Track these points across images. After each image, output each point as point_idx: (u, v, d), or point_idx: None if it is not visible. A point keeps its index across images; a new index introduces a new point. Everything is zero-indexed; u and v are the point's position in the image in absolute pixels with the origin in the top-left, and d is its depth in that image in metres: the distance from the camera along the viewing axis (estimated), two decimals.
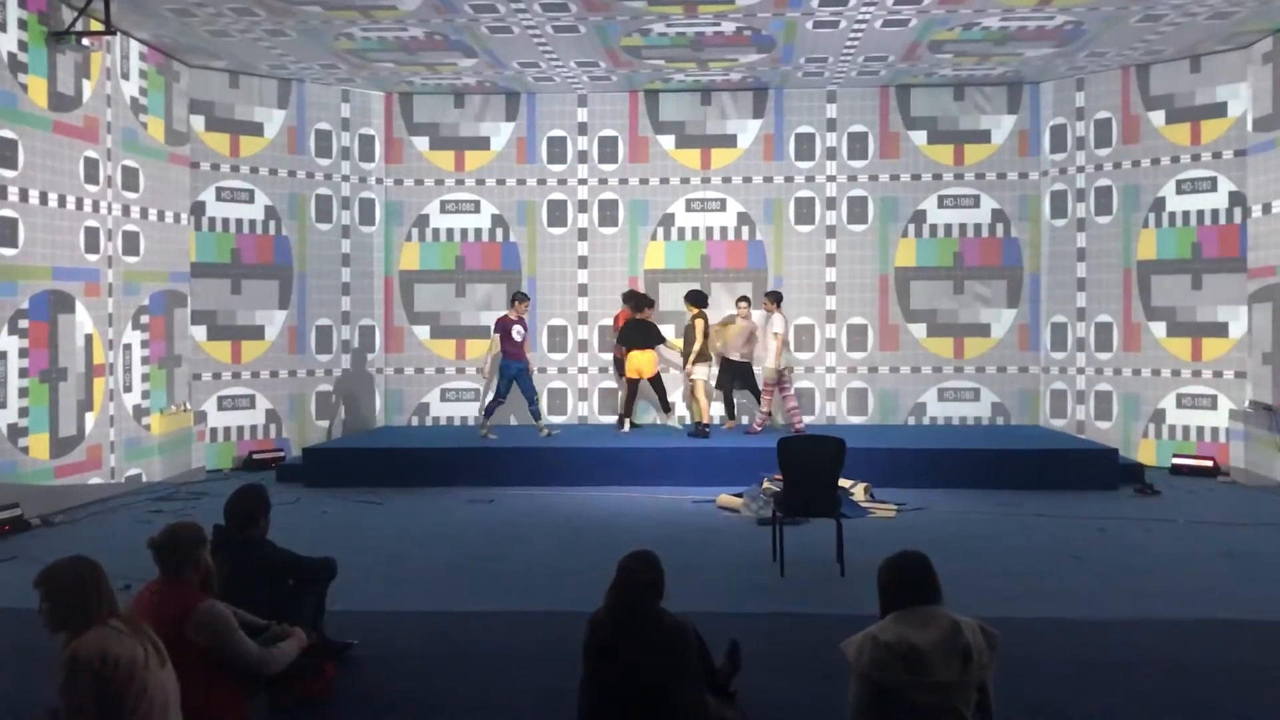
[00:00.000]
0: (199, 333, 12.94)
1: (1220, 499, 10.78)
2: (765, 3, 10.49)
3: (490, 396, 12.95)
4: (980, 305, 14.03)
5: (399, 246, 14.42)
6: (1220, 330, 12.34)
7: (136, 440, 11.63)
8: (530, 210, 14.34)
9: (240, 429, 13.26)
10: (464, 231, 14.39)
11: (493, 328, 12.84)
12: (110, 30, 10.58)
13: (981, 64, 12.83)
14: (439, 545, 8.81)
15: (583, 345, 14.28)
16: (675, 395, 13.77)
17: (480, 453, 11.95)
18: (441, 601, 7.08)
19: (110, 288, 11.23)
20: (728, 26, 11.27)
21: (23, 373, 9.85)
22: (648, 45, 11.93)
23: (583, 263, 14.33)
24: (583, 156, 14.34)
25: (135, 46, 11.77)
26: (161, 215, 12.19)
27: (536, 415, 12.82)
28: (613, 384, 14.20)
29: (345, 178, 14.11)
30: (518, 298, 12.81)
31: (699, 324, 12.76)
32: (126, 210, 11.54)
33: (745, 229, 14.20)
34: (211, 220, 13.04)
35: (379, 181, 14.39)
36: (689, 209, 14.26)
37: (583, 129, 14.34)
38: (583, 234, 14.34)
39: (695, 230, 14.26)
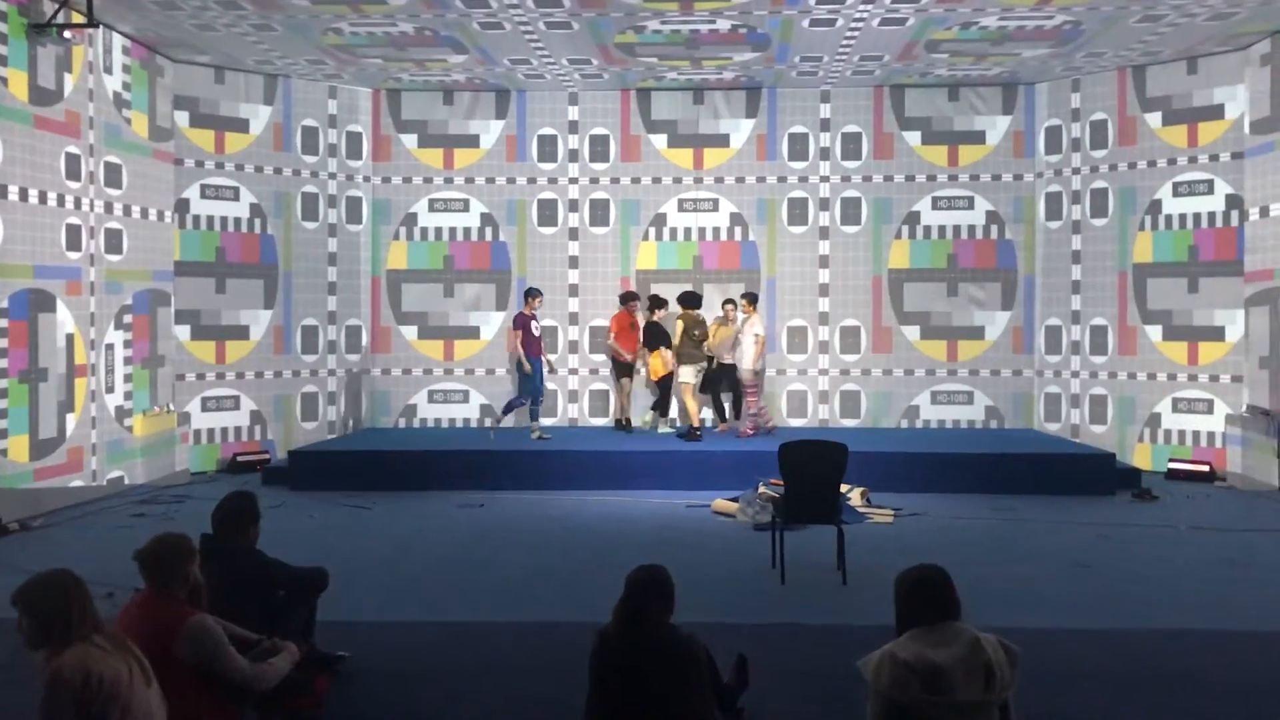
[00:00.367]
0: (182, 332, 12.70)
1: (1219, 505, 10.68)
2: (762, 0, 10.33)
3: (520, 399, 12.82)
4: (974, 308, 13.91)
5: (386, 245, 14.22)
6: (1217, 334, 12.24)
7: (118, 442, 11.40)
8: (520, 209, 14.16)
9: (224, 431, 13.03)
10: (453, 230, 14.20)
11: (513, 324, 12.73)
12: (93, 23, 10.33)
13: (977, 64, 12.72)
14: (430, 551, 8.63)
15: (573, 346, 14.10)
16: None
17: (469, 455, 11.76)
18: (435, 611, 6.90)
19: (92, 286, 10.99)
20: (723, 24, 11.11)
21: (2, 373, 9.61)
22: (641, 43, 11.76)
23: (573, 263, 14.16)
24: (574, 155, 14.16)
25: (118, 40, 11.54)
26: (145, 213, 11.95)
27: (535, 416, 12.66)
28: (603, 385, 14.02)
29: (332, 175, 13.89)
30: (533, 294, 12.71)
31: (679, 324, 12.74)
32: (109, 207, 11.30)
33: (738, 230, 14.05)
34: (196, 218, 12.80)
35: (366, 179, 14.18)
36: (681, 209, 14.11)
37: (574, 127, 14.16)
38: (573, 233, 14.16)
39: (687, 231, 14.10)
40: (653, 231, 14.10)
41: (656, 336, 12.98)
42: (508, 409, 12.82)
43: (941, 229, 13.91)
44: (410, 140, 14.21)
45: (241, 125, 13.13)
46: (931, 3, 10.39)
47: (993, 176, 13.90)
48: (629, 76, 13.35)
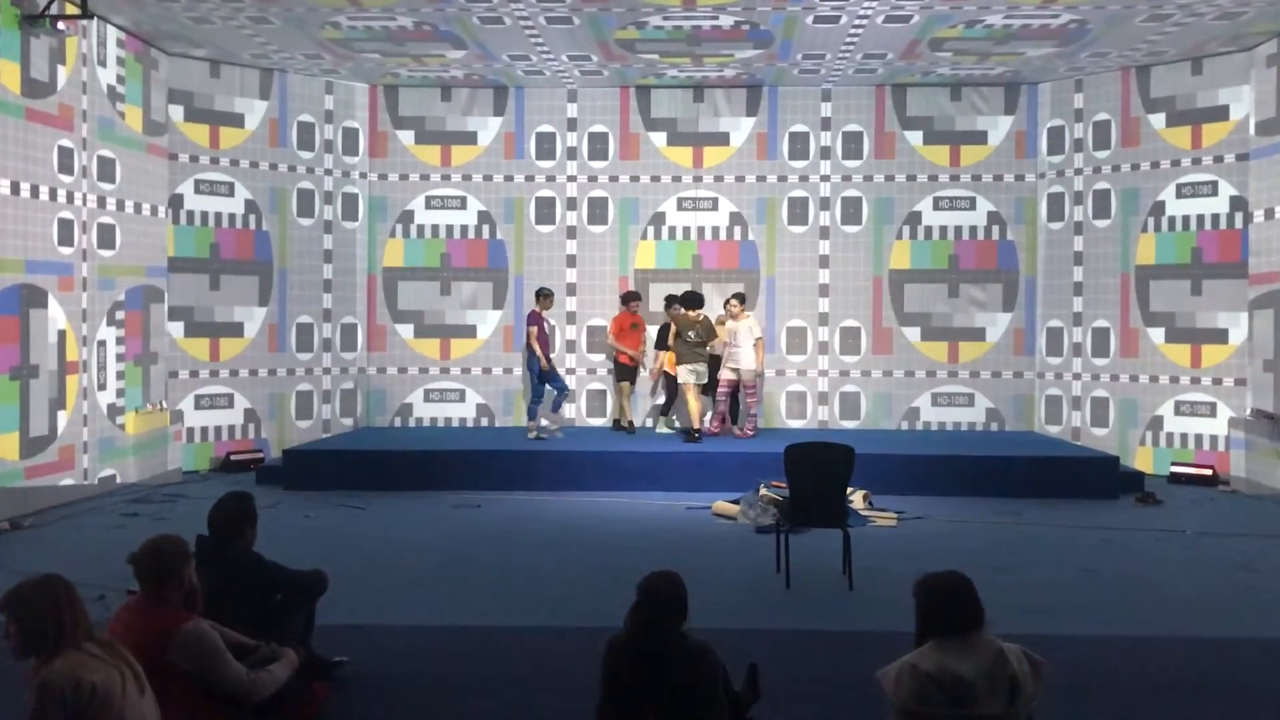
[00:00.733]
0: (176, 329, 12.54)
1: (1223, 509, 10.58)
2: None
3: (533, 395, 12.75)
4: (975, 309, 13.80)
5: (383, 243, 14.06)
6: (1220, 337, 12.15)
7: (111, 440, 11.24)
8: (518, 207, 14.02)
9: (218, 429, 12.87)
10: (449, 228, 14.05)
11: (528, 321, 12.61)
12: (87, 14, 10.19)
13: (980, 63, 12.61)
14: (428, 553, 8.49)
15: (570, 346, 13.96)
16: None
17: (465, 455, 11.61)
18: (435, 614, 6.76)
19: (85, 282, 10.83)
20: (725, 20, 10.99)
21: None
22: (643, 39, 11.63)
23: (571, 261, 14.02)
24: (572, 153, 14.02)
25: (113, 32, 11.37)
26: (138, 208, 11.80)
27: (533, 415, 12.55)
28: (601, 385, 13.89)
29: (328, 171, 13.74)
30: (545, 294, 12.67)
31: (673, 325, 12.61)
32: (102, 202, 11.14)
33: (737, 229, 13.92)
34: (190, 214, 12.64)
35: (363, 176, 14.03)
36: (680, 208, 13.98)
37: (572, 125, 14.02)
38: (571, 232, 14.02)
39: (687, 230, 13.97)
40: (651, 230, 13.97)
41: (665, 336, 12.97)
42: (556, 404, 12.79)
43: (943, 229, 13.79)
44: (407, 137, 14.06)
45: (237, 120, 12.97)
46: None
47: (994, 177, 13.79)
48: (629, 73, 13.22)
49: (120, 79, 11.50)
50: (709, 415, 12.94)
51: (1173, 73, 12.48)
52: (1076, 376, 13.41)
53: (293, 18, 10.94)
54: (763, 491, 9.86)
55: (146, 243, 11.97)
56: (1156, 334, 12.63)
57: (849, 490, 9.77)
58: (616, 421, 13.40)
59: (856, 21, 10.97)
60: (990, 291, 13.81)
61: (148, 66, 12.06)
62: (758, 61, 12.56)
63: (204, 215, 12.73)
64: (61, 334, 10.43)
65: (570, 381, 13.67)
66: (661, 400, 13.42)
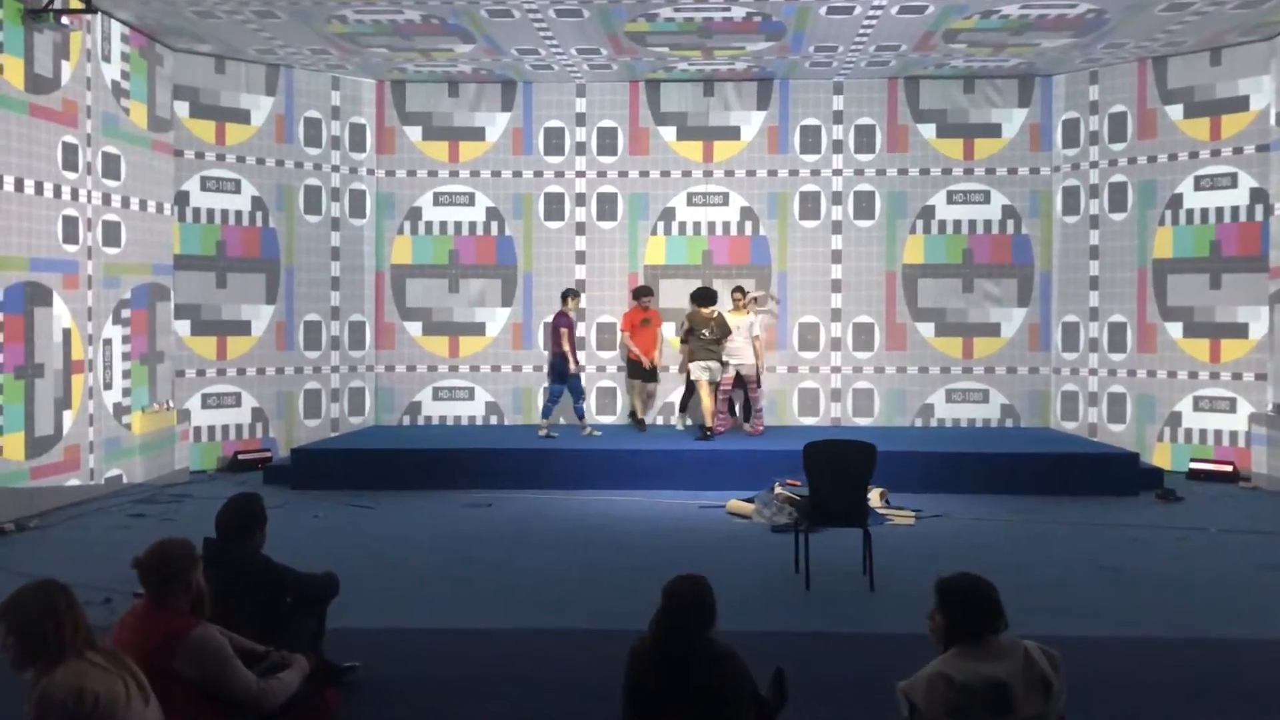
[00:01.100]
0: (182, 328, 12.41)
1: (1246, 506, 10.42)
2: None
3: (578, 403, 12.62)
4: (990, 304, 13.63)
5: (390, 240, 13.93)
6: (1240, 331, 11.96)
7: (117, 440, 11.11)
8: (526, 203, 13.87)
9: (225, 428, 12.74)
10: (458, 225, 13.90)
11: (556, 323, 12.45)
12: (91, 9, 10.05)
13: (995, 55, 12.43)
14: (439, 553, 8.35)
15: (580, 343, 13.80)
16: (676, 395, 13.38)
17: (475, 454, 11.48)
18: (448, 617, 6.61)
19: (90, 280, 10.71)
20: (737, 12, 10.83)
21: None
22: (653, 31, 11.47)
23: (580, 258, 13.87)
24: (581, 148, 13.88)
25: (117, 27, 11.24)
26: (144, 205, 11.67)
27: (547, 414, 12.46)
28: (610, 383, 13.75)
29: (335, 168, 13.60)
30: (574, 293, 12.64)
31: (685, 322, 12.47)
32: (107, 199, 11.02)
33: (749, 224, 13.77)
34: (196, 211, 12.51)
35: (370, 172, 13.89)
36: (690, 203, 13.82)
37: (581, 120, 13.88)
38: (580, 228, 13.87)
39: (697, 225, 13.81)
40: (661, 226, 13.82)
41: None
42: (580, 411, 12.58)
43: (957, 223, 13.63)
44: (415, 133, 13.92)
45: (243, 116, 12.84)
46: None
47: (1009, 170, 13.62)
48: (638, 67, 13.06)
49: (125, 75, 11.38)
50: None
51: (1191, 63, 12.30)
52: (1093, 372, 13.24)
53: (298, 12, 10.80)
54: (778, 490, 9.71)
55: (152, 240, 11.85)
56: (1175, 329, 12.46)
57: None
58: (633, 414, 13.25)
59: (871, 12, 10.80)
60: (1005, 286, 13.64)
61: (152, 62, 11.93)
62: (769, 54, 12.41)
63: (210, 212, 12.60)
64: (66, 332, 10.31)
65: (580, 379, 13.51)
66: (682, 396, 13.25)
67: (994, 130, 13.63)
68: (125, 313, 11.33)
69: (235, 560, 4.73)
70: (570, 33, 11.53)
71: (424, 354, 13.92)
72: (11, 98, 9.54)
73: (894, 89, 13.65)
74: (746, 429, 12.63)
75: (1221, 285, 12.11)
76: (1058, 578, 7.52)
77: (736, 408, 13.06)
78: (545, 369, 13.04)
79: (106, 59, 11.05)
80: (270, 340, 13.03)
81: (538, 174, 13.87)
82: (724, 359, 12.31)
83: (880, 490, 10.05)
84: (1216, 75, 12.13)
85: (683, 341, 12.85)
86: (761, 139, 13.75)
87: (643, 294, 12.96)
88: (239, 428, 12.83)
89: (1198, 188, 12.29)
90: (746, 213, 13.76)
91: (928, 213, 13.63)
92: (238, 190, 12.79)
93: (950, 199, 13.63)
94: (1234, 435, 11.98)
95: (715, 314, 12.31)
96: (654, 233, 13.83)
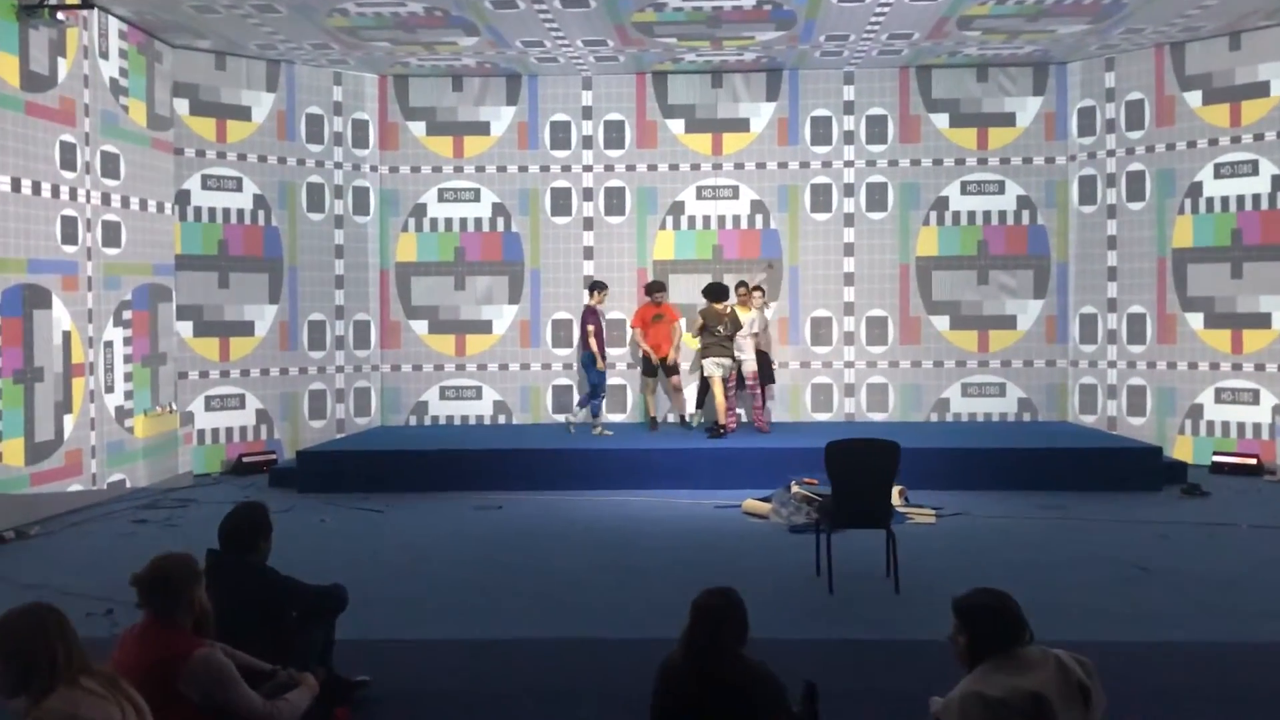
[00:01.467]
0: (184, 329, 12.20)
1: (1274, 500, 10.17)
2: None
3: (596, 398, 12.49)
4: (1005, 296, 13.39)
5: (395, 237, 13.71)
6: (1262, 321, 11.72)
7: (119, 444, 10.91)
8: (533, 198, 13.65)
9: (229, 430, 12.53)
10: (463, 221, 13.69)
11: (584, 319, 12.41)
12: (87, 4, 9.86)
13: (1009, 42, 12.18)
14: (450, 559, 8.14)
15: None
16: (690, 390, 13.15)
17: (485, 455, 11.27)
18: (461, 628, 6.39)
19: (90, 281, 10.50)
20: (746, 1, 10.60)
21: None
22: (661, 21, 11.24)
23: (588, 253, 13.65)
24: (588, 142, 13.65)
25: (114, 24, 11.03)
26: (144, 204, 11.46)
27: (596, 412, 12.44)
28: (619, 380, 13.51)
29: (338, 165, 13.38)
30: (601, 286, 12.57)
31: (698, 319, 12.21)
32: (106, 198, 10.81)
33: (759, 217, 13.54)
34: (197, 210, 12.30)
35: (373, 169, 13.67)
36: (700, 196, 13.59)
37: (587, 113, 13.65)
38: (588, 223, 13.65)
39: (706, 219, 13.59)
40: (670, 220, 13.60)
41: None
42: (596, 410, 12.44)
43: (971, 214, 13.39)
44: (418, 128, 13.70)
45: (244, 113, 12.63)
46: None
47: (1024, 160, 13.38)
48: (645, 59, 12.83)
49: (123, 72, 11.16)
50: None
51: (1209, 49, 12.05)
52: (1112, 364, 13.00)
53: (299, 6, 10.58)
54: (794, 489, 9.50)
55: (153, 240, 11.64)
56: (1195, 319, 12.22)
57: None
58: (652, 419, 12.99)
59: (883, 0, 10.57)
60: (1021, 278, 13.40)
61: (151, 59, 11.72)
62: (778, 44, 12.17)
63: (211, 211, 12.39)
64: (66, 335, 10.10)
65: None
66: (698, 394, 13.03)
67: (1008, 119, 13.38)
68: (126, 314, 11.12)
69: (239, 573, 4.52)
70: (576, 24, 11.30)
71: (430, 353, 13.71)
72: (7, 95, 9.33)
73: (906, 78, 13.41)
74: (759, 424, 12.40)
75: (1243, 274, 11.86)
76: (1088, 579, 7.28)
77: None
78: (575, 366, 13.02)
79: (104, 56, 10.84)
80: (274, 340, 12.82)
81: (544, 169, 13.65)
82: (735, 355, 12.11)
83: (899, 488, 9.81)
84: (1236, 60, 11.88)
85: (695, 337, 12.63)
86: (771, 131, 13.52)
87: (655, 289, 12.72)
88: (243, 430, 12.63)
89: (1218, 175, 12.04)
90: (757, 206, 13.53)
91: (941, 204, 13.40)
92: (239, 188, 12.57)
93: (964, 190, 13.39)
94: (1257, 427, 11.74)
95: (729, 309, 12.10)
96: (663, 227, 13.60)
